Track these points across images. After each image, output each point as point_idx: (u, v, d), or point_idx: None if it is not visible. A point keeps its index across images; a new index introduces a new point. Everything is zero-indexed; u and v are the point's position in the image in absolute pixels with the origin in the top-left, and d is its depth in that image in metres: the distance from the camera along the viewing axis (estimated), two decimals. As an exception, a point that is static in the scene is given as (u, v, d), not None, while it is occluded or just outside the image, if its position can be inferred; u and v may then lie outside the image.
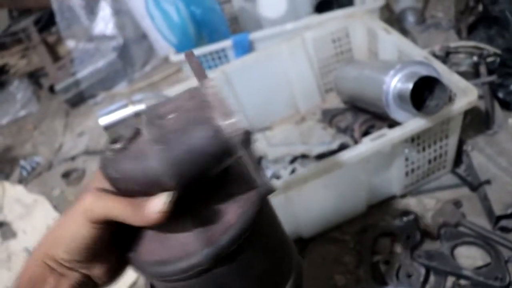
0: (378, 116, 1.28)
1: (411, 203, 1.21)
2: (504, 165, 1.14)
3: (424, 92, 1.02)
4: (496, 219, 1.06)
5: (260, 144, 1.42)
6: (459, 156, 1.23)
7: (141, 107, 1.35)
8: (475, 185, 1.15)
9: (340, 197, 1.11)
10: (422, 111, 0.97)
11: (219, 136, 0.41)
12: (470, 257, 1.05)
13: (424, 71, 1.00)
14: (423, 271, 1.02)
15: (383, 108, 1.06)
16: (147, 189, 0.42)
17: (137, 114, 1.16)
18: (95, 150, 1.90)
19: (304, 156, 1.28)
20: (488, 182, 1.11)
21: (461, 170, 1.23)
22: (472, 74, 1.35)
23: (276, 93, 1.49)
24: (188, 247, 0.44)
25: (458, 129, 1.12)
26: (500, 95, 1.36)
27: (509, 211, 1.05)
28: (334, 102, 1.51)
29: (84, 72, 2.23)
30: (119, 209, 0.42)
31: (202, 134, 0.42)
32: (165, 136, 0.43)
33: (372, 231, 1.15)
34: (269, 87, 1.47)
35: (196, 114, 0.44)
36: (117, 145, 0.45)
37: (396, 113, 1.05)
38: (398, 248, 1.11)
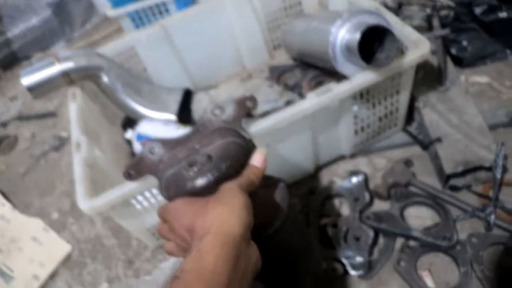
0: (328, 72, 1.20)
1: (361, 163, 1.15)
2: (456, 122, 1.09)
3: (373, 44, 0.94)
4: (446, 178, 1.02)
5: (204, 104, 1.32)
6: (411, 113, 1.18)
7: (69, 65, 1.19)
8: (426, 143, 1.10)
9: (285, 157, 1.03)
10: (372, 64, 0.90)
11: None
12: (419, 217, 1.01)
13: (373, 21, 0.91)
14: (371, 233, 0.97)
15: (331, 62, 0.98)
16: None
17: (64, 73, 1.07)
18: (28, 115, 1.75)
19: (248, 115, 1.19)
20: (439, 140, 1.07)
21: (412, 128, 1.18)
22: (425, 29, 1.29)
23: (220, 49, 1.39)
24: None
25: (410, 85, 1.05)
26: (453, 51, 1.32)
27: (459, 170, 1.00)
28: (283, 59, 1.42)
29: (15, 30, 2.04)
30: (249, 177, 0.60)
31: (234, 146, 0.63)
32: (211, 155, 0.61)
33: (320, 193, 1.09)
34: (213, 42, 1.37)
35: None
36: (195, 168, 0.59)
37: (344, 66, 0.97)
38: (347, 210, 1.05)
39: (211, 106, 0.69)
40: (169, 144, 0.68)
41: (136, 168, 0.69)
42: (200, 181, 0.58)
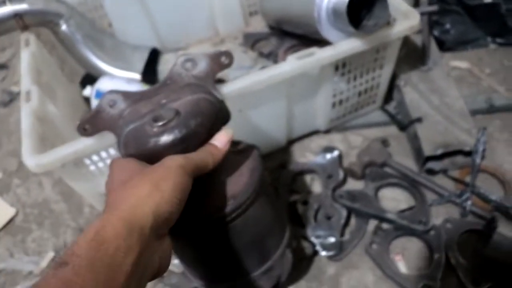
0: (307, 42, 1.13)
1: (336, 139, 1.09)
2: (436, 103, 1.05)
3: (361, 12, 0.88)
4: (424, 160, 0.97)
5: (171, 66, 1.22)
6: (390, 92, 1.13)
7: (22, 6, 1.06)
8: (405, 123, 1.05)
9: (257, 126, 0.96)
10: (359, 30, 0.83)
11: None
12: (394, 199, 0.96)
13: (364, -17, 0.85)
14: (344, 213, 0.91)
15: (314, 26, 0.91)
16: (184, 152, 0.52)
17: (17, 15, 0.99)
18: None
19: (220, 81, 1.11)
20: (419, 120, 1.02)
21: (391, 107, 1.13)
22: (411, 5, 1.23)
23: (193, 10, 1.28)
24: (217, 205, 0.58)
25: (394, 59, 1.00)
26: (436, 33, 1.27)
27: (438, 152, 0.96)
28: (259, 26, 1.34)
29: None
30: (202, 158, 0.51)
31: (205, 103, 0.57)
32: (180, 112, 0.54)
33: (291, 167, 1.02)
34: (186, 2, 1.26)
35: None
36: (160, 123, 0.53)
37: (328, 31, 0.90)
38: (319, 188, 0.99)
39: (182, 58, 0.61)
40: (132, 97, 0.60)
41: (92, 122, 0.61)
42: (165, 138, 0.51)
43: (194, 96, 0.58)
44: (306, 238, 0.89)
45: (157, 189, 0.42)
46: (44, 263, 0.97)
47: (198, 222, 0.58)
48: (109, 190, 0.47)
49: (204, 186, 0.56)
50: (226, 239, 0.61)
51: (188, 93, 0.58)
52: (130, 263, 0.37)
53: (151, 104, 0.59)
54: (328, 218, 0.91)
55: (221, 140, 0.55)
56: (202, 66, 0.62)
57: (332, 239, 0.88)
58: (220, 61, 0.63)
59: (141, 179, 0.44)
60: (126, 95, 0.60)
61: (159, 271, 0.43)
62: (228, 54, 0.63)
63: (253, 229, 0.64)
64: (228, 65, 0.64)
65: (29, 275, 0.96)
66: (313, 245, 0.88)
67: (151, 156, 0.52)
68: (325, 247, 0.87)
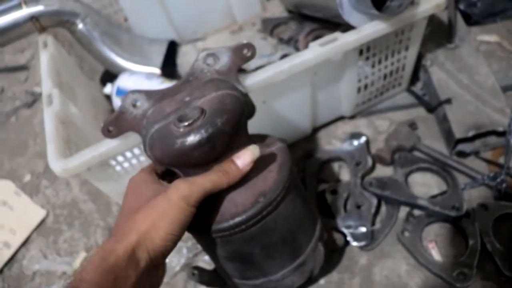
0: (327, 26, 1.10)
1: (362, 124, 1.06)
2: (466, 82, 1.00)
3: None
4: (455, 143, 0.94)
5: (191, 57, 1.20)
6: (416, 73, 1.09)
7: (38, 8, 1.05)
8: (434, 105, 1.02)
9: (281, 116, 0.94)
10: (383, 13, 0.80)
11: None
12: (425, 184, 0.94)
13: (386, -38, 0.81)
14: (374, 201, 0.89)
15: (336, 10, 0.87)
16: (211, 151, 0.52)
17: (33, 17, 0.98)
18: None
19: (241, 70, 1.09)
20: (448, 101, 0.98)
21: (417, 88, 1.09)
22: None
23: (209, -1, 1.26)
24: (247, 203, 0.57)
25: (420, 39, 0.96)
26: (461, 6, 1.22)
27: (470, 134, 0.92)
28: (277, 11, 1.30)
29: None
30: (214, 181, 0.51)
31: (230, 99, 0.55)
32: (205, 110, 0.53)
33: (318, 156, 1.00)
34: (201, -10, 1.24)
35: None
36: (185, 123, 0.51)
37: (351, 15, 0.86)
38: (347, 176, 0.97)
39: (203, 53, 0.60)
40: (154, 96, 0.59)
41: (116, 124, 0.60)
42: (192, 139, 0.51)
43: (218, 93, 0.57)
44: (336, 229, 0.87)
45: (154, 227, 0.47)
46: (77, 263, 0.98)
47: (228, 222, 0.57)
48: (121, 214, 0.52)
49: (233, 185, 0.55)
50: (257, 238, 0.60)
51: (212, 89, 0.57)
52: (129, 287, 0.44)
53: (175, 102, 0.58)
54: (358, 207, 0.89)
55: (244, 159, 0.54)
56: (224, 60, 0.61)
57: (363, 229, 0.86)
58: (243, 54, 0.62)
59: (144, 213, 0.48)
60: (148, 94, 0.59)
61: None
62: (250, 46, 0.62)
63: (284, 226, 0.63)
64: (251, 57, 0.63)
65: (63, 276, 0.98)
66: (344, 235, 0.86)
67: (178, 157, 0.52)
68: (356, 237, 0.86)
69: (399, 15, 0.82)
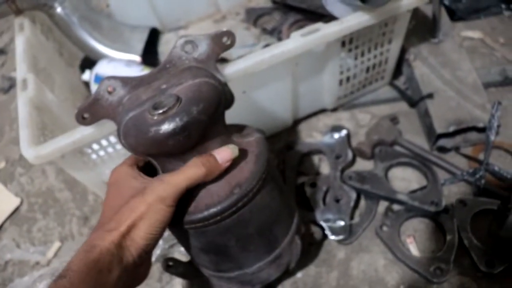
0: (311, 16, 1.09)
1: (343, 118, 1.06)
2: (448, 78, 1.00)
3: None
4: (436, 138, 0.94)
5: (172, 46, 1.18)
6: (399, 67, 1.08)
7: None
8: (416, 99, 1.01)
9: (262, 107, 0.93)
10: (367, 3, 0.79)
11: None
12: (405, 179, 0.94)
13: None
14: (354, 195, 0.88)
15: (319, 1, 0.86)
16: (186, 140, 0.51)
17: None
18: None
19: (222, 60, 1.07)
20: (430, 96, 0.98)
21: (400, 82, 1.09)
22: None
23: (193, -14, 1.24)
24: (222, 193, 0.56)
25: (403, 33, 0.95)
26: (446, 2, 1.22)
27: (451, 129, 0.92)
28: (261, 1, 1.29)
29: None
30: (191, 177, 0.52)
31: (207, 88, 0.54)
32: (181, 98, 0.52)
33: (298, 148, 0.99)
34: (184, -22, 1.22)
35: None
36: (160, 111, 0.51)
37: (334, 5, 0.85)
38: (327, 169, 0.96)
39: (181, 40, 0.59)
40: (131, 83, 0.58)
41: (91, 110, 0.59)
42: (166, 127, 0.50)
43: (195, 81, 0.55)
44: (315, 222, 0.87)
45: (134, 228, 0.49)
46: (51, 253, 0.96)
47: (202, 213, 0.56)
48: (104, 209, 0.53)
49: None
50: (232, 229, 0.59)
51: (189, 77, 0.56)
52: (113, 280, 0.46)
53: (151, 90, 0.57)
54: (337, 200, 0.88)
55: (223, 155, 0.54)
56: (203, 48, 0.59)
57: (341, 223, 0.85)
58: (222, 42, 0.61)
59: (123, 214, 0.49)
60: (124, 80, 0.58)
61: (136, 285, 0.55)
62: (230, 34, 0.61)
63: (260, 218, 0.62)
64: (230, 45, 0.62)
65: (36, 265, 0.95)
66: (322, 229, 0.86)
67: (152, 146, 0.51)
68: (334, 231, 0.85)
69: (383, 7, 0.81)
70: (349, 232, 0.85)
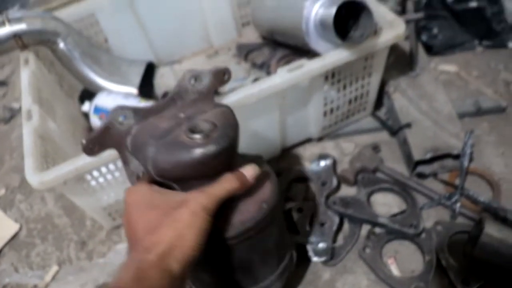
0: (298, 52, 1.16)
1: (328, 146, 1.12)
2: (425, 109, 1.08)
3: (348, 22, 0.91)
4: (414, 165, 1.00)
5: (167, 79, 1.25)
6: (380, 98, 1.16)
7: (20, 26, 1.09)
8: (395, 129, 1.08)
9: (252, 137, 0.99)
10: (346, 41, 0.87)
11: None
12: (386, 204, 0.99)
13: (349, -4, 0.88)
14: (336, 219, 0.94)
15: (303, 38, 0.94)
16: (226, 160, 0.57)
17: (16, 35, 1.01)
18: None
19: (214, 92, 1.14)
20: (408, 125, 1.05)
21: (381, 113, 1.16)
22: (398, 12, 1.26)
23: (187, 23, 1.32)
24: (252, 210, 0.62)
25: (382, 67, 1.03)
26: (424, 38, 1.31)
27: (427, 156, 0.99)
28: (252, 37, 1.37)
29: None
30: (227, 188, 0.55)
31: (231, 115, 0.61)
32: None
33: (286, 175, 1.05)
34: (179, 15, 1.30)
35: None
36: (199, 135, 0.54)
37: (317, 43, 0.93)
38: (313, 195, 1.02)
39: (188, 74, 0.63)
40: (140, 113, 0.60)
41: (100, 140, 0.59)
42: (212, 148, 0.53)
43: (217, 109, 0.60)
44: (300, 244, 0.92)
45: (183, 238, 0.49)
46: (48, 277, 0.99)
47: (238, 228, 0.61)
48: (132, 225, 0.53)
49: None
50: (258, 243, 0.65)
51: (209, 106, 0.61)
52: None
53: (167, 119, 0.60)
54: (322, 224, 0.94)
55: (249, 172, 0.59)
56: (206, 81, 0.64)
57: (323, 245, 0.90)
58: (222, 78, 0.66)
59: (168, 226, 0.50)
60: (134, 110, 0.60)
61: None
62: (228, 71, 0.66)
63: (277, 230, 0.68)
64: (227, 81, 0.67)
65: (34, 289, 0.99)
66: (306, 250, 0.90)
67: (193, 167, 0.54)
68: (317, 252, 0.90)
69: (361, 44, 0.88)
70: (331, 254, 0.90)
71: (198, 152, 0.53)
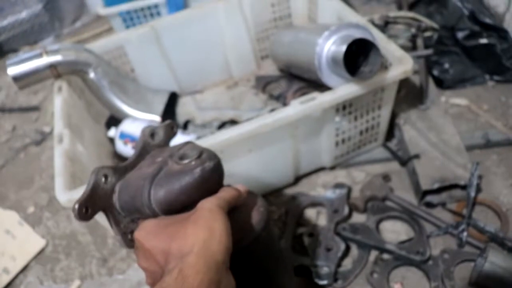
0: (313, 85, 1.22)
1: (340, 175, 1.17)
2: (434, 141, 1.12)
3: (358, 58, 0.97)
4: (422, 194, 1.04)
5: (189, 108, 1.32)
6: (391, 130, 1.20)
7: (56, 58, 1.19)
8: (405, 160, 1.13)
9: (266, 165, 1.04)
10: (356, 77, 0.92)
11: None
12: (394, 231, 1.03)
13: (359, 34, 0.94)
14: (343, 246, 0.97)
15: (316, 73, 1.00)
16: (221, 177, 0.61)
17: (52, 66, 1.07)
18: (11, 108, 1.73)
19: (233, 122, 1.21)
20: (417, 156, 1.09)
21: (392, 144, 1.20)
22: (409, 48, 1.32)
23: (209, 55, 1.40)
24: (255, 215, 0.66)
25: (392, 100, 1.08)
26: (435, 72, 1.35)
27: (435, 186, 1.03)
28: (270, 69, 1.44)
29: (3, 22, 2.02)
30: (232, 195, 0.58)
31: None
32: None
33: (302, 199, 1.10)
34: (202, 48, 1.38)
35: None
36: (188, 160, 0.57)
37: (328, 78, 0.99)
38: (324, 221, 1.06)
39: (147, 130, 0.67)
40: (118, 171, 0.62)
41: (90, 202, 0.58)
42: (209, 164, 0.57)
43: (187, 145, 0.63)
44: (304, 265, 0.96)
45: (213, 231, 0.50)
46: (71, 290, 1.06)
47: (253, 231, 0.64)
48: (163, 249, 0.51)
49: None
50: (268, 243, 0.70)
51: (178, 146, 0.64)
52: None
53: (149, 165, 0.62)
54: (328, 250, 0.97)
55: (240, 187, 0.62)
56: (160, 135, 0.68)
57: (327, 270, 0.94)
58: (171, 130, 0.70)
59: (192, 227, 0.50)
60: (114, 169, 0.61)
61: None
62: (175, 125, 0.71)
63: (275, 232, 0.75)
64: (175, 133, 0.71)
65: (57, 301, 1.05)
66: (310, 272, 0.94)
67: (196, 187, 0.56)
68: (319, 276, 0.94)
69: (370, 79, 0.94)
70: (332, 279, 0.93)
71: (198, 171, 0.55)
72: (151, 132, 0.67)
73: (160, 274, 0.51)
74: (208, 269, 0.46)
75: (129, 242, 0.63)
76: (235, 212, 0.60)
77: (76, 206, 0.56)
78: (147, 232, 0.54)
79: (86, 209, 0.57)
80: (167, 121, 0.70)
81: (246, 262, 0.63)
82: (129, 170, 0.63)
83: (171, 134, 0.70)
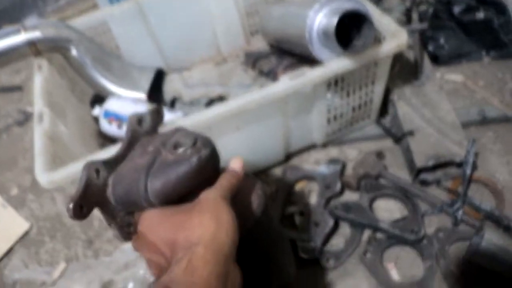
0: (304, 60, 1.18)
1: (333, 153, 1.14)
2: (429, 117, 1.09)
3: (351, 31, 0.93)
4: (416, 172, 1.01)
5: (176, 85, 1.28)
6: (385, 106, 1.17)
7: (35, 34, 1.14)
8: (399, 136, 1.10)
9: (256, 142, 1.01)
10: (348, 50, 0.88)
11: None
12: (388, 210, 1.00)
13: (351, 6, 0.90)
14: (331, 222, 0.95)
15: (307, 47, 0.96)
16: (218, 163, 0.59)
17: (31, 43, 1.03)
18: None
19: (221, 98, 1.17)
20: (411, 133, 1.06)
21: (386, 121, 1.17)
22: (403, 22, 1.28)
23: (196, 31, 1.35)
24: (254, 198, 0.65)
25: (385, 76, 1.04)
26: (430, 48, 1.32)
27: (429, 164, 1.00)
28: (260, 45, 1.39)
29: (-18, 0, 1.95)
30: (231, 182, 0.56)
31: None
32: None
33: (294, 172, 1.08)
34: (189, 24, 1.33)
35: None
36: (183, 148, 0.55)
37: (320, 51, 0.95)
38: (315, 197, 1.04)
39: (133, 118, 0.64)
40: (109, 164, 0.59)
41: (84, 199, 0.54)
42: (205, 151, 0.54)
43: (179, 130, 0.60)
44: (291, 239, 0.94)
45: (221, 222, 0.49)
46: (57, 273, 1.03)
47: (257, 214, 0.64)
48: (168, 240, 0.50)
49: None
50: (268, 226, 0.70)
51: (172, 132, 0.61)
52: (221, 284, 0.45)
53: (140, 156, 0.59)
54: (316, 224, 0.95)
55: (237, 165, 0.60)
56: (147, 121, 0.64)
57: (312, 244, 0.92)
58: (159, 116, 0.67)
59: (198, 218, 0.49)
60: (104, 163, 0.58)
61: None
62: (162, 110, 0.68)
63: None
64: (162, 118, 0.68)
65: (42, 285, 1.02)
66: (296, 246, 0.93)
67: (194, 177, 0.54)
68: (304, 250, 0.92)
69: (363, 53, 0.90)
70: (314, 254, 0.92)
71: (194, 160, 0.53)
72: (138, 119, 0.63)
73: (164, 264, 0.50)
74: (217, 261, 0.45)
75: (127, 235, 0.59)
76: (235, 199, 0.58)
77: (71, 206, 0.53)
78: (151, 222, 0.54)
79: (81, 207, 0.54)
80: (153, 106, 0.67)
81: (247, 247, 0.60)
82: (120, 162, 0.60)
83: (158, 119, 0.67)
